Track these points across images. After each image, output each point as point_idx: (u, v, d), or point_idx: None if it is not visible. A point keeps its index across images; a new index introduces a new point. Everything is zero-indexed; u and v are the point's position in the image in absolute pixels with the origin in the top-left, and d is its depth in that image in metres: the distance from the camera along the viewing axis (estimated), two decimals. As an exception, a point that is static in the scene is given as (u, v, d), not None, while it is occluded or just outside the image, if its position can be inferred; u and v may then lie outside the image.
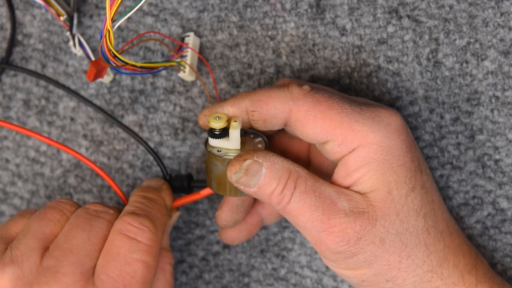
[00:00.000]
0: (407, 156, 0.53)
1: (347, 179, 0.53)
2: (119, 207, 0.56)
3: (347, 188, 0.53)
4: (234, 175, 0.52)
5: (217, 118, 0.54)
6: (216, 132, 0.54)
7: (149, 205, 0.55)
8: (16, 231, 0.55)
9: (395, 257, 0.52)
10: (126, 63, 0.55)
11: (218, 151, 0.54)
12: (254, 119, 0.54)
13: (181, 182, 0.59)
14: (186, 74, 0.61)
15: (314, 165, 0.59)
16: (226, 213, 0.58)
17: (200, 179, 0.62)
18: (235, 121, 0.54)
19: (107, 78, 0.63)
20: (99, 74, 0.53)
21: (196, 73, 0.62)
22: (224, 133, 0.54)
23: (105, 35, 0.51)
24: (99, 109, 0.60)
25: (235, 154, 0.54)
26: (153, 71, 0.59)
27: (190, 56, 0.61)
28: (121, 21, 0.51)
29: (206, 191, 0.57)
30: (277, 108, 0.53)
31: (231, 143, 0.54)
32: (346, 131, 0.52)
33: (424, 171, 0.54)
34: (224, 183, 0.55)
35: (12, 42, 0.64)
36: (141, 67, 0.57)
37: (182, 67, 0.60)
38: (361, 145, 0.52)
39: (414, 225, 0.53)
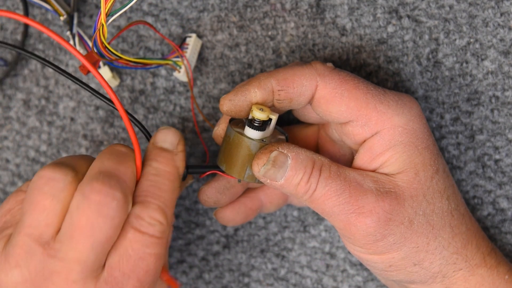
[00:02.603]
0: (429, 139, 0.53)
1: (372, 163, 0.53)
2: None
3: (372, 171, 0.53)
4: (262, 167, 0.51)
5: (261, 109, 0.52)
6: (257, 124, 0.52)
7: (161, 188, 0.51)
8: (16, 217, 0.52)
9: (423, 239, 0.52)
10: (120, 57, 0.55)
11: (263, 140, 0.53)
12: (280, 99, 0.53)
13: None
14: (181, 74, 0.60)
15: (324, 156, 0.59)
16: (210, 189, 0.57)
17: (194, 164, 0.60)
18: (267, 107, 0.53)
19: (113, 83, 0.63)
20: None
21: (190, 73, 0.62)
22: (264, 124, 0.53)
23: (99, 29, 0.51)
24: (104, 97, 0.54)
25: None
26: (147, 67, 0.59)
27: (188, 56, 0.61)
28: (116, 16, 0.51)
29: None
30: (303, 86, 0.53)
31: (267, 132, 0.53)
32: (371, 112, 0.52)
33: (442, 156, 0.55)
34: None
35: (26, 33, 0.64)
36: (135, 62, 0.57)
37: (177, 67, 0.60)
38: (386, 128, 0.52)
39: (439, 207, 0.53)
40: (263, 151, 0.52)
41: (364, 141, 0.53)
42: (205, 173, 0.56)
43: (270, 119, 0.53)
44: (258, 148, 0.53)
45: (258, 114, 0.52)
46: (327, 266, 0.64)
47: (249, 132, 0.53)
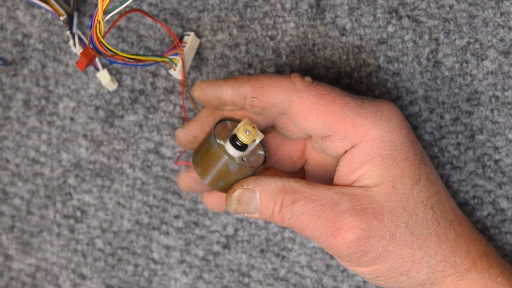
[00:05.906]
0: (409, 150, 0.53)
1: (350, 176, 0.53)
2: None
3: (350, 184, 0.53)
4: (229, 207, 0.53)
5: (248, 132, 0.53)
6: (239, 144, 0.53)
7: None
8: None
9: (407, 250, 0.52)
10: (116, 53, 0.55)
11: (243, 160, 0.54)
12: (253, 105, 0.54)
13: None
14: (177, 72, 0.60)
15: (311, 163, 0.59)
16: (188, 178, 0.59)
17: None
18: (254, 127, 0.54)
19: (112, 86, 0.63)
20: (89, 63, 0.54)
21: (183, 72, 0.62)
22: (246, 145, 0.54)
23: (96, 25, 0.51)
24: None
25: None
26: (143, 64, 0.59)
27: (185, 54, 0.60)
28: (113, 13, 0.51)
29: None
30: (278, 98, 0.53)
31: (248, 150, 0.54)
32: (348, 126, 0.52)
33: (427, 163, 0.55)
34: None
35: None
36: (131, 58, 0.57)
37: (173, 64, 0.60)
38: (364, 141, 0.52)
39: (423, 217, 0.53)
40: (229, 191, 0.53)
41: (345, 152, 0.53)
42: (180, 162, 0.57)
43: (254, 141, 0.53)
44: (237, 169, 0.53)
45: (243, 138, 0.53)
46: (327, 266, 0.64)
47: (230, 149, 0.53)
